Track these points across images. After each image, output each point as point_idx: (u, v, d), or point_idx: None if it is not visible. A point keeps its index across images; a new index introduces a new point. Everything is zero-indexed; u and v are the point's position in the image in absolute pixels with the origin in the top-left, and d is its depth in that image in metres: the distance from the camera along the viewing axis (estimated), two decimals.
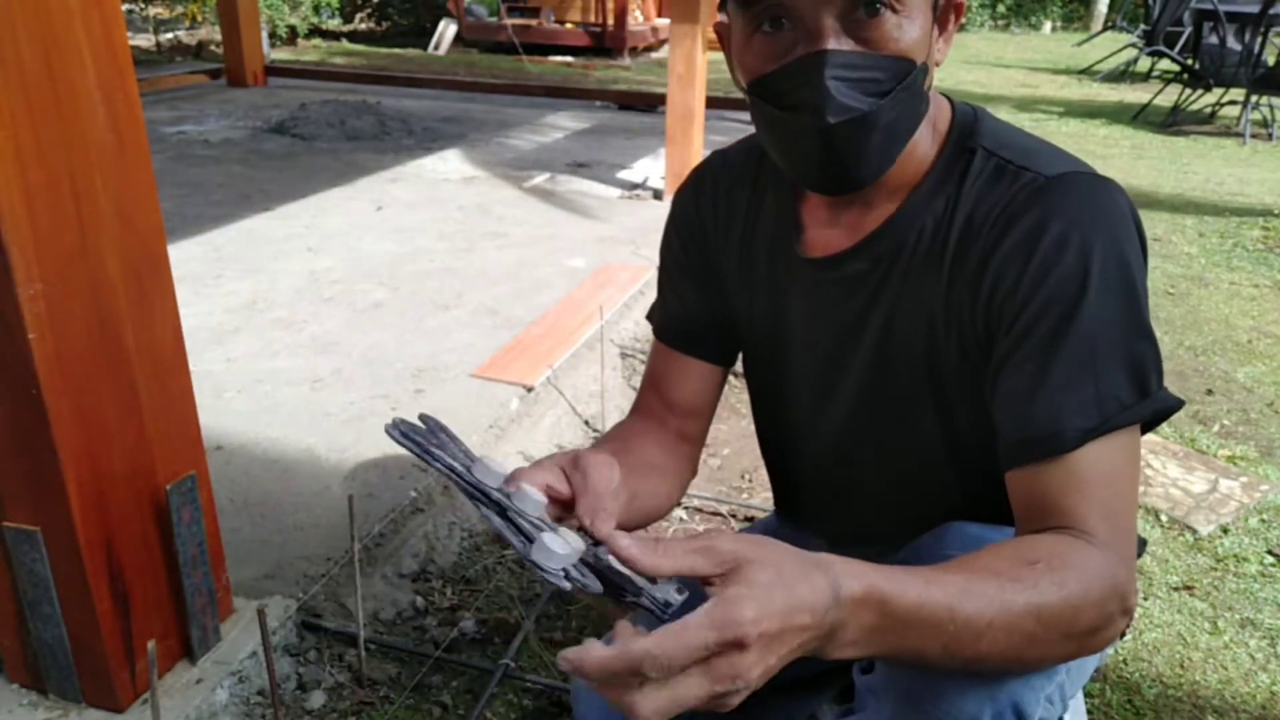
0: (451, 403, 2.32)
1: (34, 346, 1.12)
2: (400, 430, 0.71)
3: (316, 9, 10.06)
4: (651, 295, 1.24)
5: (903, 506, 1.09)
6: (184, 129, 5.37)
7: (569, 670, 0.61)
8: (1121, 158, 5.93)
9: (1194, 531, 2.06)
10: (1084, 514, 0.81)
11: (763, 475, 2.26)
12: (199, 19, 9.39)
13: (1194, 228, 4.45)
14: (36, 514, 1.24)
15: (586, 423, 2.46)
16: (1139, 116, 7.14)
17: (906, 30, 0.86)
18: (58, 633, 1.31)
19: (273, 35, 8.92)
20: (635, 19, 9.93)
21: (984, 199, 0.93)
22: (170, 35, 9.13)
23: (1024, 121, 6.86)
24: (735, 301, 1.14)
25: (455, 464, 0.70)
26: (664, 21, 9.40)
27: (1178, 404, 0.88)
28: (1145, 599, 1.85)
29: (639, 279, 3.17)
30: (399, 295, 3.03)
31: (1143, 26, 8.57)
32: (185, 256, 3.28)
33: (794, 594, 0.63)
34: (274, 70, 7.05)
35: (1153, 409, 0.86)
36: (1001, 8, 14.47)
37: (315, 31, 10.21)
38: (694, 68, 4.04)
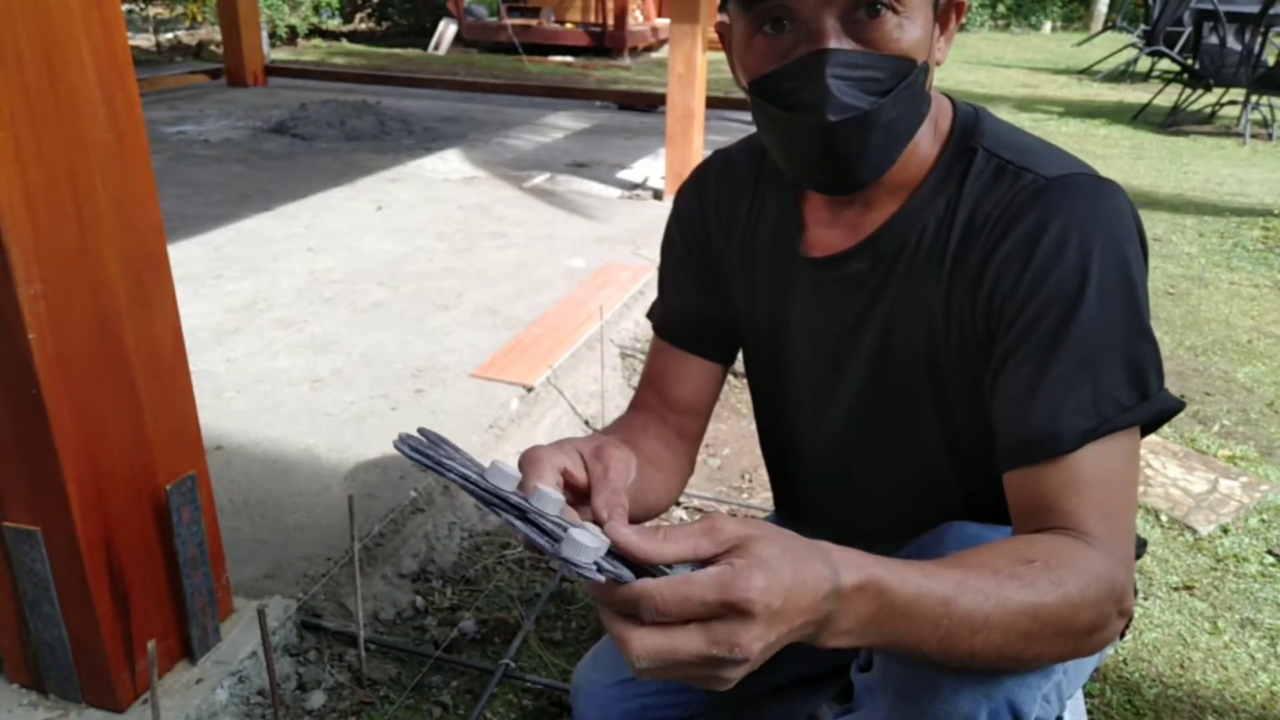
0: (451, 403, 2.32)
1: (34, 346, 1.12)
2: (409, 445, 0.71)
3: (316, 9, 10.06)
4: (651, 295, 1.24)
5: (902, 506, 1.10)
6: (184, 129, 5.37)
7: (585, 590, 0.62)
8: (1121, 158, 5.93)
9: (1194, 531, 2.06)
10: (1082, 515, 0.81)
11: (763, 475, 2.26)
12: (199, 19, 9.39)
13: (1194, 228, 4.45)
14: (36, 514, 1.24)
15: (586, 423, 2.46)
16: (1139, 116, 7.14)
17: (907, 30, 0.86)
18: (58, 633, 1.31)
19: (273, 35, 8.93)
20: (635, 19, 9.93)
21: (985, 199, 0.93)
22: (170, 35, 9.13)
23: (1024, 121, 6.86)
24: (736, 300, 1.14)
25: (469, 472, 0.70)
26: (664, 21, 9.41)
27: (1178, 406, 0.88)
28: (1145, 599, 1.85)
29: (639, 279, 3.17)
30: (399, 295, 3.03)
31: (1143, 26, 8.57)
32: (185, 256, 3.28)
33: (797, 572, 0.63)
34: (274, 70, 7.05)
35: (1152, 411, 0.86)
36: (1001, 8, 14.47)
37: (315, 31, 10.21)
38: (694, 68, 4.04)
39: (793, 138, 0.91)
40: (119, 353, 1.25)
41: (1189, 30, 7.38)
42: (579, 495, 0.80)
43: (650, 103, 6.34)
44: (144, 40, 8.80)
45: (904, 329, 0.99)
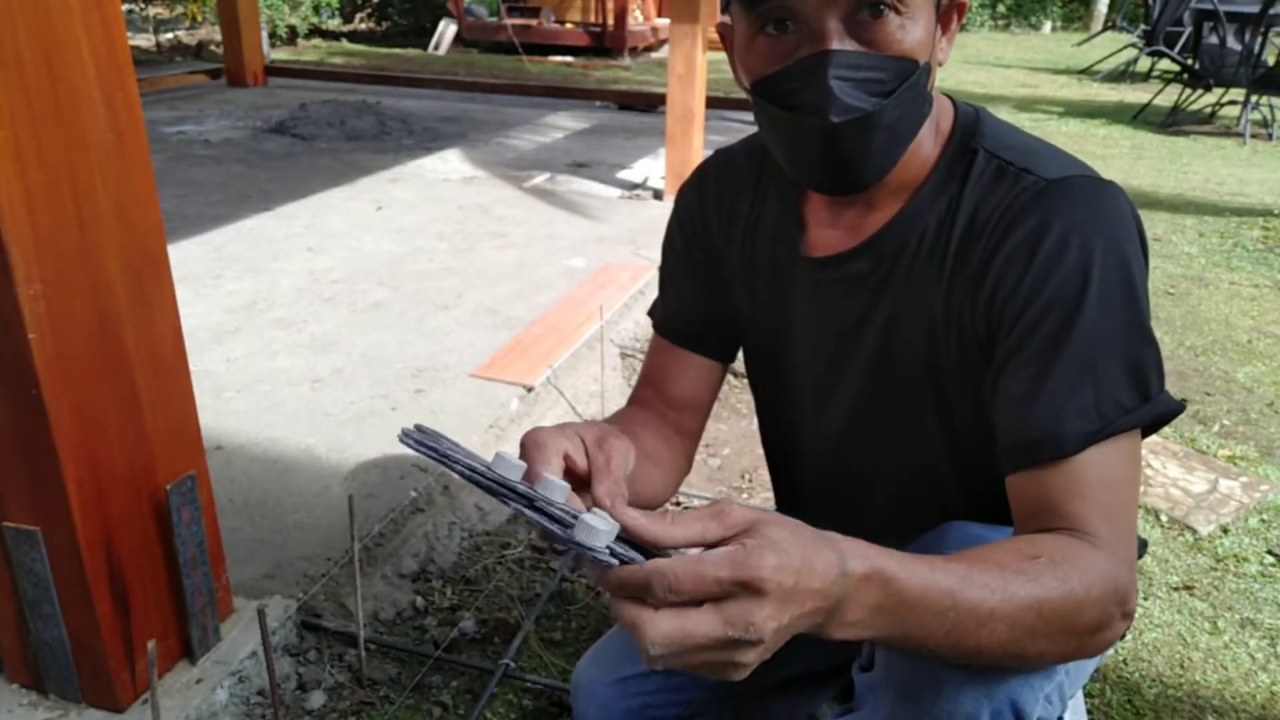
0: (451, 403, 2.32)
1: (34, 346, 1.12)
2: (414, 439, 0.71)
3: (316, 9, 10.06)
4: (651, 295, 1.24)
5: (903, 506, 1.10)
6: (184, 129, 5.37)
7: (594, 579, 0.62)
8: (1121, 158, 5.93)
9: (1194, 531, 2.06)
10: (1085, 517, 0.81)
11: (763, 475, 2.27)
12: (199, 19, 9.39)
13: (1194, 228, 4.45)
14: (36, 514, 1.24)
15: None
16: (1139, 116, 7.14)
17: (910, 31, 0.86)
18: (58, 633, 1.31)
19: (273, 35, 8.92)
20: (635, 19, 9.93)
21: (986, 200, 0.93)
22: (170, 35, 9.13)
23: (1024, 121, 6.86)
24: (737, 300, 1.14)
25: (475, 464, 0.70)
26: (664, 21, 9.41)
27: (1179, 407, 0.88)
28: (1145, 599, 1.85)
29: (639, 279, 3.17)
30: (399, 295, 3.03)
31: (1143, 26, 8.57)
32: (185, 256, 3.28)
33: (806, 555, 0.63)
34: (274, 70, 7.05)
35: (1154, 413, 0.86)
36: (1001, 8, 14.47)
37: (315, 31, 10.21)
38: (694, 68, 4.04)
39: (795, 139, 0.91)
40: (119, 353, 1.25)
41: (1189, 30, 7.38)
42: (578, 481, 0.81)
43: (650, 103, 6.34)
44: (144, 40, 8.80)
45: (905, 330, 0.99)
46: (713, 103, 4.80)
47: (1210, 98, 7.04)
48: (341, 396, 2.35)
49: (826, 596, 0.64)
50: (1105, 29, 11.53)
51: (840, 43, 0.85)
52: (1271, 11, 6.33)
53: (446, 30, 9.82)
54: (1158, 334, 0.88)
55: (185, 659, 1.45)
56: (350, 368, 2.50)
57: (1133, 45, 8.97)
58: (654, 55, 10.18)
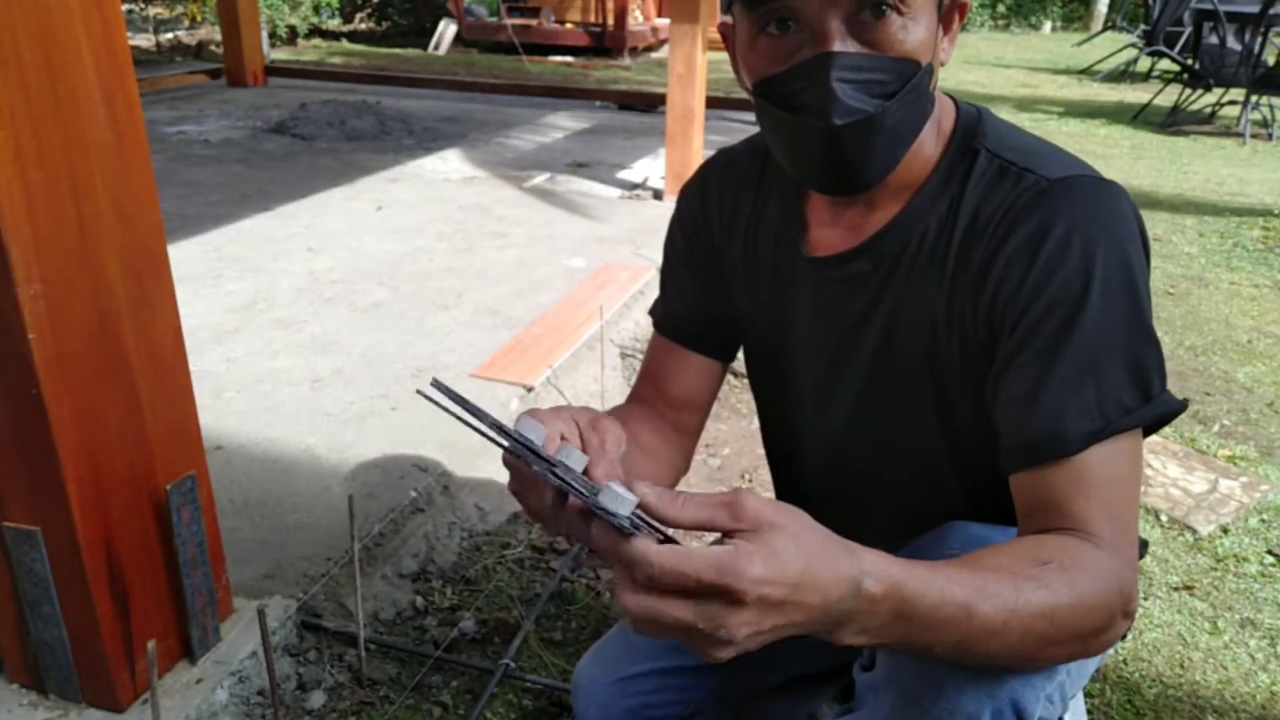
0: None
1: (34, 346, 1.12)
2: (442, 389, 0.71)
3: (316, 9, 10.06)
4: (651, 295, 1.24)
5: (904, 505, 1.10)
6: (184, 129, 5.37)
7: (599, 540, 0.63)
8: (1121, 158, 5.93)
9: (1194, 531, 2.06)
10: (1089, 516, 0.81)
11: (762, 475, 2.26)
12: (199, 19, 9.39)
13: (1194, 228, 4.45)
14: (36, 514, 1.24)
15: None
16: (1139, 116, 7.14)
17: (912, 32, 0.86)
18: (58, 633, 1.31)
19: (273, 35, 8.92)
20: (635, 19, 9.92)
21: (987, 200, 0.93)
22: (170, 35, 9.13)
23: (1024, 121, 6.86)
24: (738, 300, 1.14)
25: (501, 423, 0.70)
26: (664, 21, 9.40)
27: (1180, 407, 0.88)
28: (1145, 599, 1.85)
29: (639, 279, 3.17)
30: (399, 295, 3.03)
31: (1143, 26, 8.57)
32: (185, 256, 3.28)
33: (810, 570, 0.62)
34: (274, 70, 7.05)
35: (1155, 412, 0.86)
36: (1001, 8, 14.47)
37: (315, 31, 10.21)
38: (694, 68, 4.04)
39: (797, 140, 0.91)
40: (119, 352, 1.25)
41: (1189, 30, 7.38)
42: None
43: (650, 103, 6.33)
44: (144, 40, 8.80)
45: (906, 329, 0.99)
46: (713, 103, 4.80)
47: (1210, 98, 7.04)
48: (341, 396, 2.35)
49: (826, 611, 0.64)
50: (1105, 29, 11.53)
51: (842, 44, 0.85)
52: (1271, 11, 6.33)
53: (446, 30, 9.82)
54: (1158, 334, 0.88)
55: (185, 659, 1.45)
56: (350, 368, 2.50)
57: (1133, 45, 8.97)
58: (654, 55, 10.18)
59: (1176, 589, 1.88)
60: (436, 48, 9.76)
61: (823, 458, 1.14)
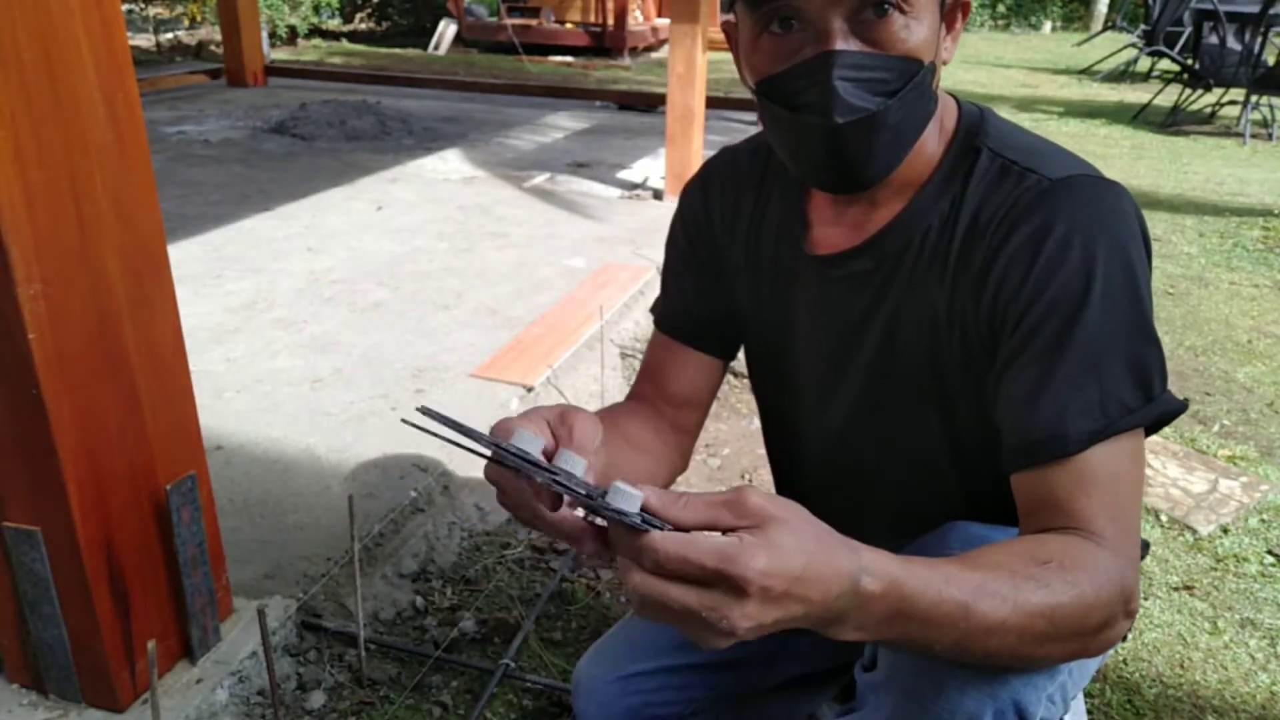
0: (451, 403, 2.32)
1: (34, 346, 1.12)
2: (431, 414, 0.71)
3: (316, 9, 10.06)
4: (651, 295, 1.25)
5: (905, 504, 1.10)
6: (184, 129, 5.37)
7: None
8: (1121, 158, 5.93)
9: (1194, 531, 2.06)
10: (1091, 516, 0.81)
11: (763, 475, 2.26)
12: (199, 19, 9.39)
13: (1194, 228, 4.45)
14: (36, 514, 1.24)
15: None
16: (1139, 116, 7.14)
17: (914, 30, 0.86)
18: (58, 633, 1.31)
19: (273, 35, 8.92)
20: (635, 19, 9.92)
21: (989, 200, 0.93)
22: (170, 35, 9.13)
23: (1024, 121, 6.86)
24: (740, 298, 1.14)
25: (498, 441, 0.70)
26: (664, 21, 9.40)
27: (1181, 407, 0.88)
28: (1145, 599, 1.85)
29: (639, 279, 3.17)
30: (399, 295, 3.03)
31: (1143, 26, 8.56)
32: (185, 256, 3.28)
33: (811, 565, 0.62)
34: (274, 70, 7.04)
35: (1156, 412, 0.86)
36: (1001, 8, 14.47)
37: (315, 31, 10.21)
38: (694, 68, 4.04)
39: (799, 138, 0.91)
40: (119, 352, 1.25)
41: (1189, 30, 7.38)
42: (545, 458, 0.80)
43: (650, 103, 6.33)
44: (144, 40, 8.80)
45: (907, 328, 0.99)
46: (713, 103, 4.80)
47: (1210, 98, 7.04)
48: (341, 396, 2.35)
49: (826, 607, 0.64)
50: (1105, 29, 11.53)
51: (844, 43, 0.85)
52: (1271, 11, 6.33)
53: (446, 30, 9.82)
54: (1158, 334, 0.88)
55: (185, 659, 1.45)
56: (350, 368, 2.50)
57: (1133, 45, 8.97)
58: (654, 55, 10.18)
59: (1176, 589, 1.88)
60: (436, 48, 9.76)
61: (823, 456, 1.14)
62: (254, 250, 3.41)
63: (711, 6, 4.08)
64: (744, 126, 5.74)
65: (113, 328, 1.23)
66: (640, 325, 2.91)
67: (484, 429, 0.75)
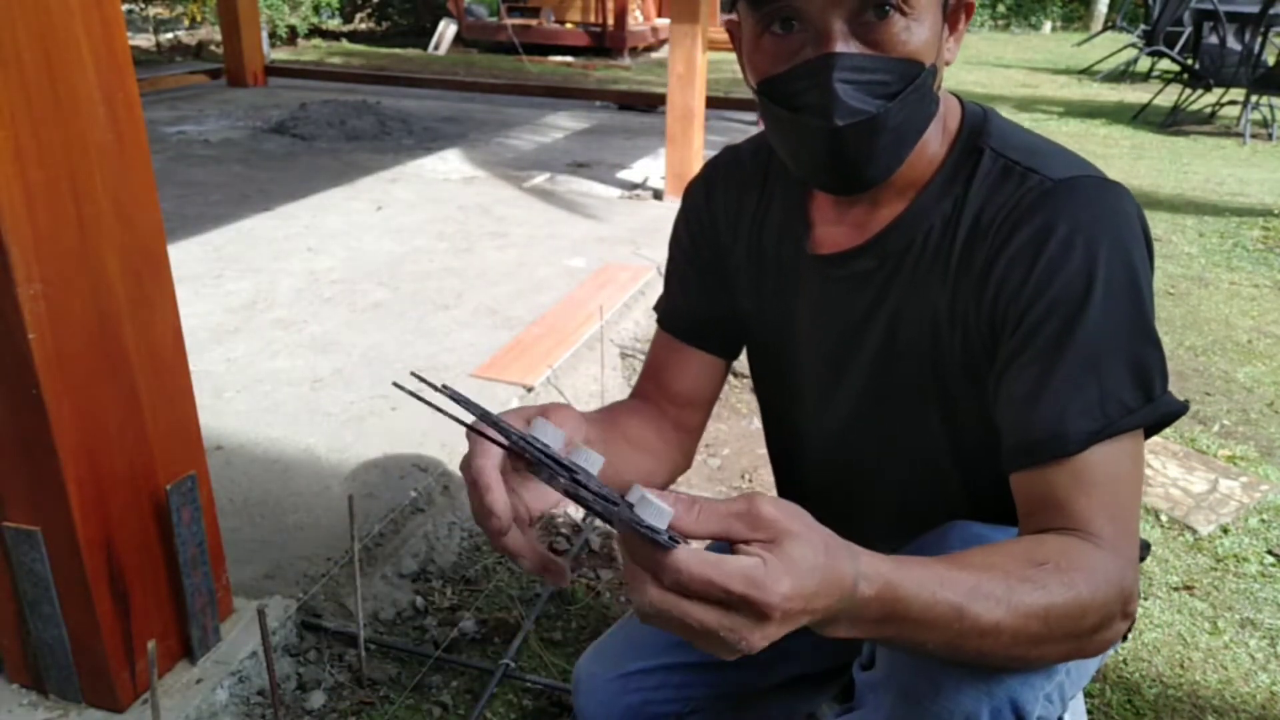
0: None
1: (34, 346, 1.12)
2: (450, 393, 0.69)
3: (316, 9, 10.05)
4: (651, 295, 1.25)
5: (905, 504, 1.10)
6: (184, 129, 5.37)
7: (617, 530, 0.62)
8: (1121, 158, 5.93)
9: (1194, 531, 2.06)
10: (1090, 516, 0.81)
11: (763, 475, 2.27)
12: (199, 19, 9.39)
13: (1194, 228, 4.45)
14: (36, 514, 1.24)
15: None
16: (1139, 116, 7.14)
17: (915, 32, 0.86)
18: (58, 633, 1.31)
19: (273, 35, 8.92)
20: (635, 19, 9.92)
21: (991, 200, 0.93)
22: (170, 35, 9.13)
23: (1024, 121, 6.84)
24: (742, 297, 1.14)
25: (520, 434, 0.68)
26: (664, 21, 9.40)
27: (1182, 408, 0.88)
28: (1145, 599, 1.85)
29: (639, 279, 3.17)
30: (399, 295, 3.03)
31: (1143, 26, 8.57)
32: (185, 256, 3.28)
33: (824, 579, 0.63)
34: (274, 70, 7.04)
35: (1157, 413, 0.86)
36: (1001, 8, 14.47)
37: (315, 31, 10.21)
38: (694, 68, 4.04)
39: (800, 140, 0.91)
40: (119, 352, 1.25)
41: (1189, 30, 7.38)
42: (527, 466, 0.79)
43: (650, 103, 6.33)
44: (144, 40, 8.80)
45: (909, 327, 0.99)
46: (713, 103, 4.80)
47: (1210, 98, 7.04)
48: (341, 396, 2.35)
49: (828, 611, 0.64)
50: (1105, 29, 11.53)
51: (845, 44, 0.85)
52: (1271, 11, 6.33)
53: (446, 30, 9.82)
54: (1159, 335, 0.88)
55: (185, 659, 1.45)
56: (350, 368, 2.50)
57: (1133, 45, 8.97)
58: (654, 55, 10.17)
59: (1176, 589, 1.88)
60: (436, 48, 9.76)
61: (824, 455, 1.14)
62: (254, 250, 3.41)
63: (711, 6, 4.08)
64: (744, 126, 5.74)
65: (113, 328, 1.23)
66: (640, 325, 2.91)
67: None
